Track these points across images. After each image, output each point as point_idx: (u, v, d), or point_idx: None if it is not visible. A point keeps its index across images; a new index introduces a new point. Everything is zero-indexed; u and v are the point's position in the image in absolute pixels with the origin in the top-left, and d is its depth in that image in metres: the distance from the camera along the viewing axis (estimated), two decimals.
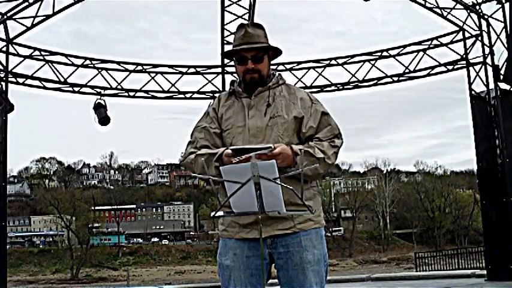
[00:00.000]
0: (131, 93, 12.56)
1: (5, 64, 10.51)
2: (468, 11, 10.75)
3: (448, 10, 10.90)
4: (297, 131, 2.72)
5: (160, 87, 12.69)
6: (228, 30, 12.65)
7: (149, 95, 12.81)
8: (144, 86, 12.61)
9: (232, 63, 13.87)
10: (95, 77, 12.10)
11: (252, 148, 2.47)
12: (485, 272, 10.56)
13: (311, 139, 2.70)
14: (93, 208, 69.03)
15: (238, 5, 12.45)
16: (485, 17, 10.55)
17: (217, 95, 14.05)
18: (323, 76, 12.81)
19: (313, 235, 2.68)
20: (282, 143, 2.60)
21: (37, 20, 10.25)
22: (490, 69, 10.46)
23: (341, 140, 2.75)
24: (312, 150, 2.61)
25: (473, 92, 10.68)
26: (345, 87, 12.76)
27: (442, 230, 70.33)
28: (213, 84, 12.99)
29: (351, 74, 12.59)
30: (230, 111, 2.79)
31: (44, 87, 11.73)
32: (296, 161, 2.54)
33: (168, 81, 12.75)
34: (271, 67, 2.89)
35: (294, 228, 2.63)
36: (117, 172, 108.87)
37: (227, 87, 13.59)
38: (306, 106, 2.75)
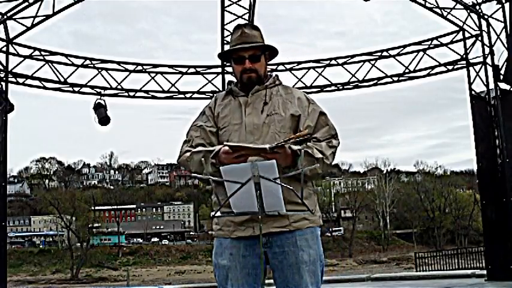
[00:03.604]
0: (131, 93, 12.56)
1: (5, 64, 10.51)
2: (468, 11, 10.75)
3: (448, 10, 10.90)
4: (294, 129, 2.73)
5: (160, 87, 12.69)
6: (228, 30, 12.64)
7: (149, 95, 12.81)
8: (144, 86, 12.62)
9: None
10: (95, 77, 12.10)
11: (247, 147, 2.46)
12: (485, 272, 10.56)
13: (308, 139, 2.71)
14: (93, 208, 68.96)
15: (238, 5, 12.45)
16: (485, 17, 10.55)
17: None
18: (323, 76, 12.81)
19: (309, 235, 2.67)
20: (280, 139, 2.61)
21: (37, 20, 10.25)
22: (490, 69, 10.46)
23: (338, 140, 2.76)
24: (311, 151, 2.61)
25: (473, 92, 10.68)
26: (345, 87, 12.76)
27: (442, 230, 70.34)
28: (213, 84, 13.00)
29: (351, 74, 12.60)
30: (226, 109, 2.80)
31: (44, 87, 11.73)
32: (296, 161, 2.54)
33: (168, 81, 12.76)
34: (269, 68, 2.91)
35: (289, 227, 2.62)
36: (117, 172, 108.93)
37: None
38: (303, 105, 2.77)
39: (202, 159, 2.57)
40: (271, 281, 2.71)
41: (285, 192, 2.36)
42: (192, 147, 2.75)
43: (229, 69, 12.83)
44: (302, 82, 12.80)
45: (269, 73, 2.88)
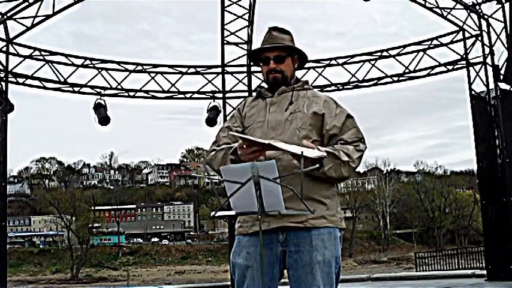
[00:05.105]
0: (131, 93, 12.56)
1: (5, 64, 10.52)
2: (468, 11, 10.75)
3: (448, 10, 10.90)
4: (317, 128, 2.74)
5: (160, 87, 12.69)
6: (228, 30, 12.64)
7: (149, 95, 12.81)
8: (144, 86, 12.62)
9: (233, 63, 13.84)
10: (95, 77, 12.10)
11: (260, 142, 2.49)
12: (485, 272, 10.57)
13: (334, 139, 2.73)
14: (93, 208, 69.01)
15: (238, 5, 12.44)
16: (485, 17, 10.55)
17: (217, 95, 14.01)
18: (323, 76, 12.81)
19: (326, 235, 2.68)
20: (300, 135, 2.68)
21: (37, 20, 10.26)
22: (490, 69, 10.46)
23: (365, 144, 2.78)
24: (338, 153, 2.63)
25: (473, 92, 10.69)
26: (345, 87, 12.75)
27: (442, 230, 70.33)
28: (213, 84, 12.99)
29: (351, 74, 12.59)
30: (253, 109, 2.88)
31: (44, 87, 11.73)
32: (322, 162, 2.56)
33: (168, 81, 12.75)
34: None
35: (306, 223, 2.63)
36: (117, 172, 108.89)
37: (227, 87, 13.52)
38: (330, 107, 2.81)
39: (223, 156, 2.65)
40: (287, 280, 2.72)
41: (306, 189, 2.42)
42: (219, 147, 2.81)
43: (230, 69, 12.86)
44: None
45: (301, 79, 2.96)
